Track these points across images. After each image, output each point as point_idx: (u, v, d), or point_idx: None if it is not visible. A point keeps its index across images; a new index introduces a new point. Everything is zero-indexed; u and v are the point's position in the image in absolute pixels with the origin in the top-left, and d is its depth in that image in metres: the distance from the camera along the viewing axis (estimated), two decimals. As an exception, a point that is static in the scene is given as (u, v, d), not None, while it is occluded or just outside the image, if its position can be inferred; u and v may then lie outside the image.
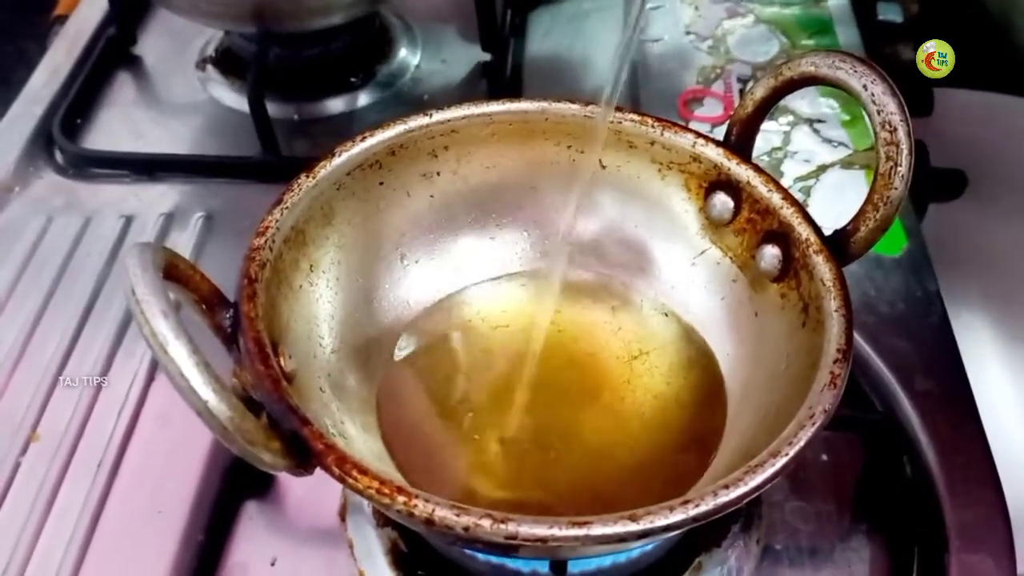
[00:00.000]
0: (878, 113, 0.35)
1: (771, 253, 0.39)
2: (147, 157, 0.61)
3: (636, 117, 0.41)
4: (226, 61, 0.67)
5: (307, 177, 0.39)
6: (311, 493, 0.44)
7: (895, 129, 0.35)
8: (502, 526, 0.28)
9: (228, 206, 0.58)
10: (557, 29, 0.70)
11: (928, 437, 0.45)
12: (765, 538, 0.43)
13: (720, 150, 0.40)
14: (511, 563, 0.39)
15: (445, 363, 0.42)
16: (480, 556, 0.39)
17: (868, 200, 0.36)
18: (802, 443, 0.31)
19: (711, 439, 0.38)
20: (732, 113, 0.40)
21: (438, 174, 0.42)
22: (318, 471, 0.31)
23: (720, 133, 0.41)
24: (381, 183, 0.41)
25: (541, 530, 0.28)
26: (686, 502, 0.29)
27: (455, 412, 0.40)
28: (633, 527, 0.28)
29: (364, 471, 0.29)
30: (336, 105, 0.65)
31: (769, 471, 0.30)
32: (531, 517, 0.28)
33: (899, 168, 0.35)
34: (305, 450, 0.30)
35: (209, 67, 0.67)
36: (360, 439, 0.37)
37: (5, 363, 0.50)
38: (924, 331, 0.50)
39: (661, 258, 0.43)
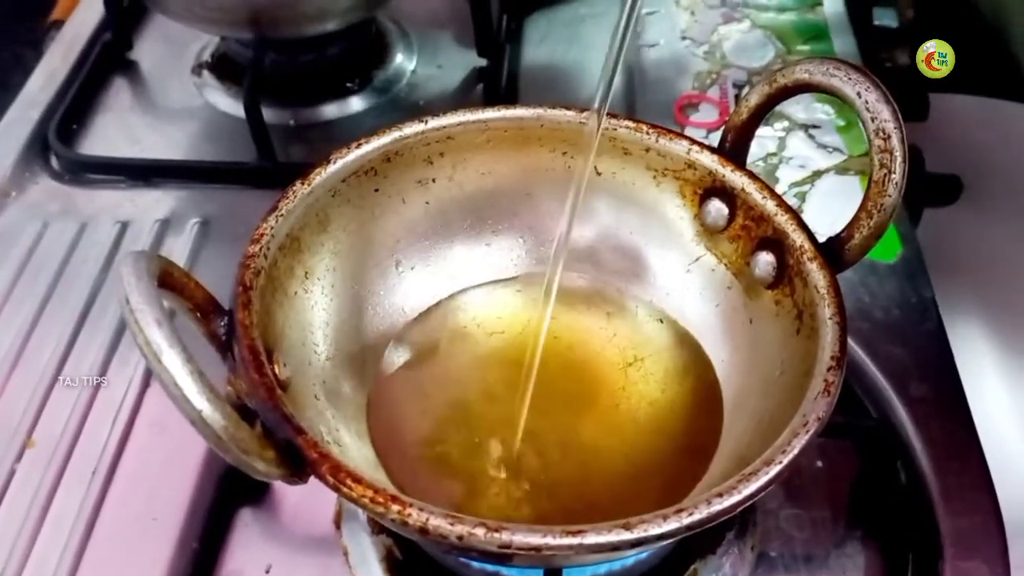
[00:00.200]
0: (872, 120, 0.35)
1: (765, 260, 0.39)
2: (143, 163, 0.61)
3: (631, 124, 0.41)
4: (222, 66, 0.67)
5: (302, 184, 0.39)
6: (306, 500, 0.44)
7: (889, 136, 0.35)
8: (496, 535, 0.28)
9: (224, 212, 0.58)
10: (553, 34, 0.70)
11: (923, 444, 0.45)
12: (760, 545, 0.43)
13: (715, 157, 0.40)
14: (506, 571, 0.39)
15: (440, 370, 0.42)
16: (475, 564, 0.39)
17: (862, 207, 0.36)
18: (796, 451, 0.31)
19: (707, 446, 0.38)
20: (727, 119, 0.40)
21: (433, 181, 0.42)
22: (312, 479, 0.31)
23: (716, 138, 0.41)
24: (376, 190, 0.41)
25: (535, 539, 0.28)
26: (680, 510, 0.29)
27: (449, 419, 0.40)
28: (627, 536, 0.28)
29: (358, 480, 0.29)
30: (332, 111, 0.65)
31: (763, 479, 0.30)
32: (525, 526, 0.28)
33: (893, 175, 0.35)
34: (299, 459, 0.30)
35: (205, 72, 0.67)
36: (355, 447, 0.37)
37: (0, 369, 0.50)
38: (919, 337, 0.50)
39: (656, 264, 0.43)
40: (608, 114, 0.39)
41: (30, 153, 0.61)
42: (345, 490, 0.29)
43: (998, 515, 0.43)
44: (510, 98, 0.65)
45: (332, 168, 0.39)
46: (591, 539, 0.28)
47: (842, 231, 0.37)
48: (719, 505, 0.29)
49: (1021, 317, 0.63)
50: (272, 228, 0.37)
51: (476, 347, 0.43)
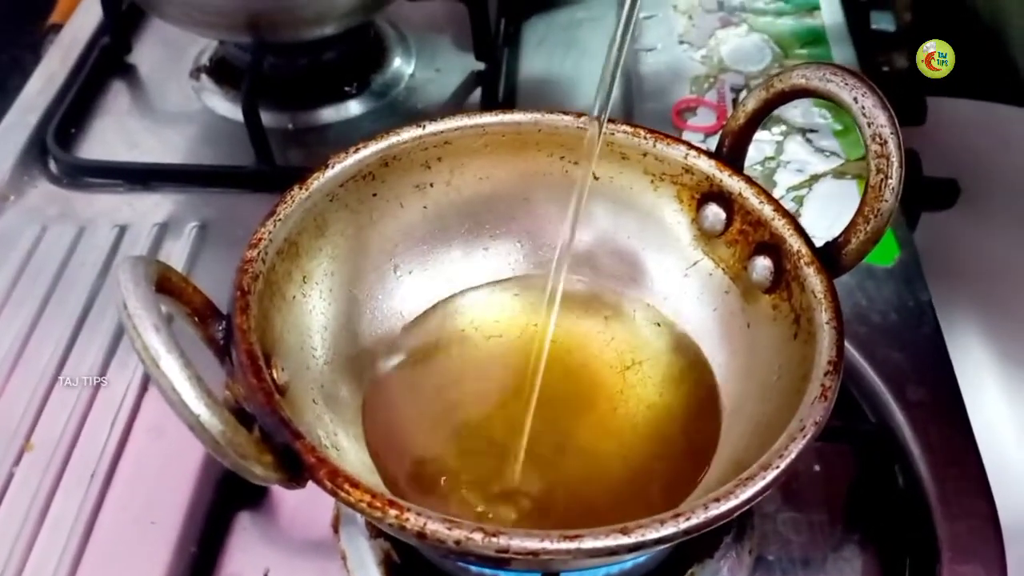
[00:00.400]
0: (868, 126, 0.35)
1: (763, 264, 0.39)
2: (141, 166, 0.61)
3: (628, 128, 0.42)
4: (220, 70, 0.67)
5: (300, 189, 0.39)
6: (304, 504, 0.44)
7: (885, 142, 0.35)
8: (493, 539, 0.28)
9: (222, 215, 0.58)
10: (551, 38, 0.70)
11: (920, 447, 0.45)
12: (757, 549, 0.43)
13: (712, 162, 0.41)
14: (504, 575, 0.39)
15: (437, 373, 0.42)
16: (473, 568, 0.39)
17: (859, 212, 0.36)
18: (793, 456, 0.31)
19: (704, 450, 0.38)
20: (724, 124, 0.41)
21: (431, 185, 0.42)
22: (310, 483, 0.31)
23: (713, 142, 0.41)
24: (374, 194, 0.41)
25: (532, 543, 0.28)
26: (677, 515, 0.29)
27: (446, 422, 0.40)
28: (624, 540, 0.29)
29: (356, 484, 0.30)
30: (330, 114, 0.65)
31: (760, 484, 0.30)
32: (522, 530, 0.28)
33: (889, 180, 0.35)
34: (297, 463, 0.30)
35: (203, 76, 0.67)
36: (353, 450, 0.37)
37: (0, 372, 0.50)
38: (916, 341, 0.50)
39: (654, 269, 0.43)
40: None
41: (28, 157, 0.61)
42: (343, 495, 0.29)
43: (995, 519, 0.43)
44: (508, 102, 0.65)
45: (330, 173, 0.40)
46: (588, 544, 0.28)
47: (839, 236, 0.37)
48: (717, 510, 0.29)
49: (1018, 321, 0.63)
50: (270, 233, 0.37)
51: (474, 351, 0.43)
